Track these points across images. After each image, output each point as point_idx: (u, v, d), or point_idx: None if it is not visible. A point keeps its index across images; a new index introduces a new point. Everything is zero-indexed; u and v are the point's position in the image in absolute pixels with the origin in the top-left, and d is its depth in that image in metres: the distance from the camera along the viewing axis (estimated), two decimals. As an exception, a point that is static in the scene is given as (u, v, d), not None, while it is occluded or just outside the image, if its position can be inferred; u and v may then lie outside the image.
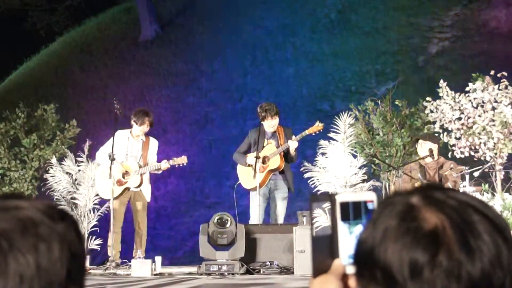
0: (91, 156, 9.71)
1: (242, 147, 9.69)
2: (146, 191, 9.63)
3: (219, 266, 8.07)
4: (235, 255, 8.20)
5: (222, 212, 8.61)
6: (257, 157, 9.26)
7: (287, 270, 8.17)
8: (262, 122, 9.48)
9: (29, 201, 1.24)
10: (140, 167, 9.54)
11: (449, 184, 8.76)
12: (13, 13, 24.86)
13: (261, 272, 8.20)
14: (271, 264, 8.31)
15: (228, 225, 8.30)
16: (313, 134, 9.44)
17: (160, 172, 9.71)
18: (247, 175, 9.44)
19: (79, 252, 1.24)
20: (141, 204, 9.63)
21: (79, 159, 9.62)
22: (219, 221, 8.33)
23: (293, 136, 9.35)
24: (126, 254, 9.64)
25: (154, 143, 9.79)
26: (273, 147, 9.40)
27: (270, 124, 9.46)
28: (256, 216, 9.31)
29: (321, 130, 9.40)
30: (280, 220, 9.37)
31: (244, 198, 9.88)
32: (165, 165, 9.48)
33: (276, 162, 9.34)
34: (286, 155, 9.40)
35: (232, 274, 7.99)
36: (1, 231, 1.18)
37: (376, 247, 1.16)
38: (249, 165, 9.41)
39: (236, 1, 22.27)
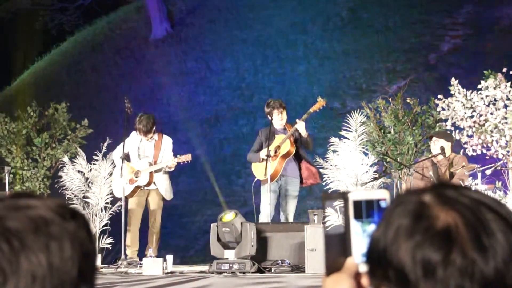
0: (105, 155, 9.76)
1: (255, 147, 9.71)
2: (163, 189, 9.65)
3: (230, 265, 8.07)
4: (240, 253, 8.19)
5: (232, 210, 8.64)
6: (268, 156, 9.24)
7: (298, 269, 8.17)
8: (271, 119, 9.46)
9: (41, 200, 1.24)
10: (150, 165, 9.59)
11: (460, 181, 8.73)
12: (24, 13, 24.95)
13: (272, 270, 8.19)
14: (282, 263, 8.31)
15: (230, 220, 8.32)
16: (318, 110, 9.45)
17: (171, 169, 9.74)
18: (261, 166, 9.45)
19: (90, 250, 1.24)
20: (155, 204, 9.66)
21: (95, 157, 9.68)
22: (223, 217, 8.39)
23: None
24: (138, 253, 9.67)
25: (167, 141, 9.82)
26: (283, 136, 9.39)
27: (278, 118, 9.42)
28: (266, 212, 9.32)
29: (324, 106, 9.41)
30: (290, 217, 9.36)
31: (257, 196, 9.88)
32: (171, 162, 9.52)
33: (286, 147, 9.31)
34: (297, 143, 9.37)
35: (243, 272, 7.99)
36: (13, 230, 1.18)
37: (388, 246, 1.15)
38: (263, 160, 9.42)
39: (247, 0, 22.27)
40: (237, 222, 8.28)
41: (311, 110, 9.39)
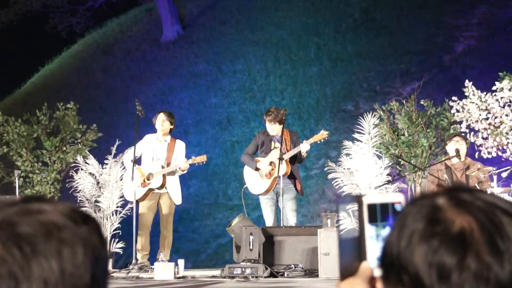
0: (116, 156, 9.78)
1: (250, 149, 9.75)
2: (174, 193, 9.64)
3: (243, 269, 8.06)
4: (241, 257, 8.23)
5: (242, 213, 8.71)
6: (280, 158, 9.22)
7: (312, 273, 8.15)
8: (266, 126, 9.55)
9: (52, 204, 1.23)
10: (162, 168, 9.59)
11: (477, 185, 8.68)
12: (35, 15, 25.06)
13: (285, 275, 8.18)
14: (295, 267, 8.29)
15: (231, 225, 8.37)
16: (318, 142, 9.45)
17: (184, 171, 9.73)
18: (254, 179, 9.46)
19: (103, 255, 1.23)
20: (167, 207, 9.64)
21: (105, 161, 9.70)
22: (229, 222, 8.49)
23: (303, 141, 9.32)
24: (150, 257, 9.66)
25: (180, 145, 9.82)
26: (279, 152, 9.34)
27: (269, 128, 9.49)
28: (270, 219, 9.31)
29: (326, 139, 9.39)
30: (292, 221, 9.29)
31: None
32: (184, 164, 9.50)
33: (283, 169, 9.31)
34: (293, 157, 9.37)
35: (256, 277, 7.97)
36: (24, 235, 1.17)
37: (402, 250, 1.14)
38: (257, 169, 9.44)
39: (259, 1, 22.29)
40: (236, 226, 8.32)
41: (312, 140, 9.33)
